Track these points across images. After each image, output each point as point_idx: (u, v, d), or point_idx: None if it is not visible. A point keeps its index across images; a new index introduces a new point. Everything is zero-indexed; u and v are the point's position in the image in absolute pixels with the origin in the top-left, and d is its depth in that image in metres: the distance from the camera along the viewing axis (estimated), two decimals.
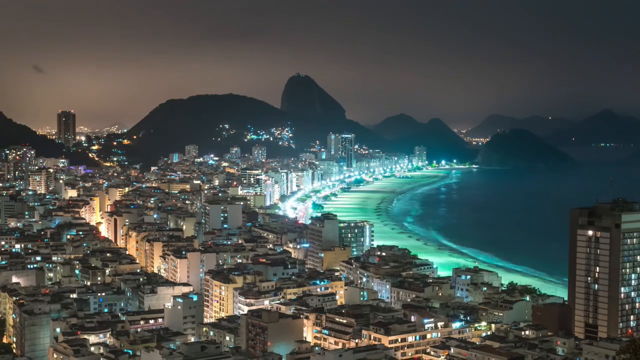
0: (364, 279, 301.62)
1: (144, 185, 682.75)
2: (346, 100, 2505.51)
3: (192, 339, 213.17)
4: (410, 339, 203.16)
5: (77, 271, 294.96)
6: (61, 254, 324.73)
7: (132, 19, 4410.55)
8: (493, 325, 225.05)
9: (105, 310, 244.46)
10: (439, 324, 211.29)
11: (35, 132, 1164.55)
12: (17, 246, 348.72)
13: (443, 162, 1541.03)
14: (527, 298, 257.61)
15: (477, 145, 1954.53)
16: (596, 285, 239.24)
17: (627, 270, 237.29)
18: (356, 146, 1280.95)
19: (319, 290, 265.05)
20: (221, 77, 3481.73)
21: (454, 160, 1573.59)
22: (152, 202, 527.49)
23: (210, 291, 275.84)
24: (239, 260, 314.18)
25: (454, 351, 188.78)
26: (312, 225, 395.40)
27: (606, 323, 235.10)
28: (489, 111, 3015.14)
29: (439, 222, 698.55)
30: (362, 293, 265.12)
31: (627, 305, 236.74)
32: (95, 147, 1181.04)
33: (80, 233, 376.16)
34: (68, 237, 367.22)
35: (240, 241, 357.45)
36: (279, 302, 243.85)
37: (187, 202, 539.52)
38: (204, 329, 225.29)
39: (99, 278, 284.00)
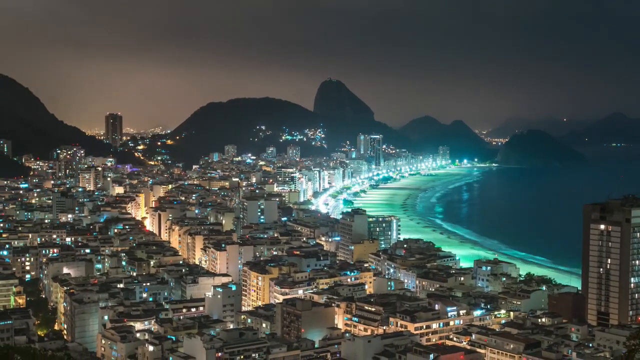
0: (391, 270, 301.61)
1: (186, 183, 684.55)
2: (375, 104, 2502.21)
3: (231, 326, 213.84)
4: (435, 326, 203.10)
5: (123, 262, 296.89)
6: (109, 247, 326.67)
7: (175, 28, 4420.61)
8: (512, 313, 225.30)
9: (150, 299, 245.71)
10: (461, 312, 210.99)
11: (84, 133, 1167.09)
12: (68, 239, 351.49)
13: (465, 161, 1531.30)
14: (544, 288, 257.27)
15: (496, 145, 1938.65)
16: (608, 276, 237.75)
17: (637, 261, 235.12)
18: (384, 146, 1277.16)
19: (349, 280, 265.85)
20: (258, 81, 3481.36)
21: (475, 159, 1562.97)
22: (193, 198, 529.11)
23: (247, 281, 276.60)
24: (275, 253, 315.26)
25: (475, 337, 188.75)
26: (342, 219, 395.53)
27: (617, 311, 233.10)
28: (508, 113, 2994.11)
29: (461, 217, 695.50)
30: (389, 283, 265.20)
31: (636, 294, 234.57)
32: (140, 147, 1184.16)
33: (127, 227, 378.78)
34: (115, 230, 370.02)
35: (275, 235, 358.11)
36: (312, 291, 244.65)
37: (226, 198, 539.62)
38: (242, 316, 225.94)
39: (144, 269, 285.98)
